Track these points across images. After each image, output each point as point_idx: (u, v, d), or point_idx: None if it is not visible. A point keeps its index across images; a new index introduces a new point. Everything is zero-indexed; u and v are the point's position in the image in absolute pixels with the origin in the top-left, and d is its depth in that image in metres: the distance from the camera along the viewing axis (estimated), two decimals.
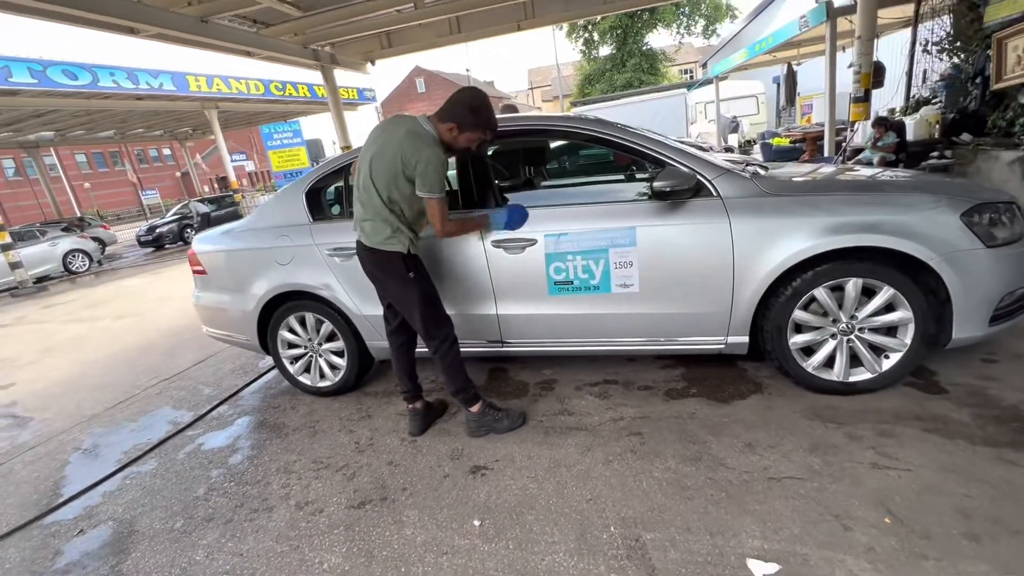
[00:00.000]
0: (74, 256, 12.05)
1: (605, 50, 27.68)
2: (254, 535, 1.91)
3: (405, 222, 2.10)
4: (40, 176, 17.16)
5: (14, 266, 9.80)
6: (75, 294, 9.01)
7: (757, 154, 12.33)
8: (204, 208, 15.24)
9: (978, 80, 6.13)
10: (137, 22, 5.73)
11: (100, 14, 5.39)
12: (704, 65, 21.09)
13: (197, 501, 2.19)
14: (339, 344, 2.84)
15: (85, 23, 5.72)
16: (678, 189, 2.07)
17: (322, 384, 2.96)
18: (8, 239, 9.83)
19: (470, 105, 2.02)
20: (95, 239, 13.82)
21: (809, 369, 2.21)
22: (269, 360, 3.10)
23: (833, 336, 2.16)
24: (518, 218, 2.32)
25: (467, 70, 37.32)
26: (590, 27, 26.63)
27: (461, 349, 2.30)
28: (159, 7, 5.74)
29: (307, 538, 1.85)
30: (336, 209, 2.97)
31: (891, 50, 9.73)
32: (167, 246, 14.96)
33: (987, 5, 5.89)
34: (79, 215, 17.55)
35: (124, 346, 4.85)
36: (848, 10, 7.78)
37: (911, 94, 8.19)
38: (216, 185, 33.61)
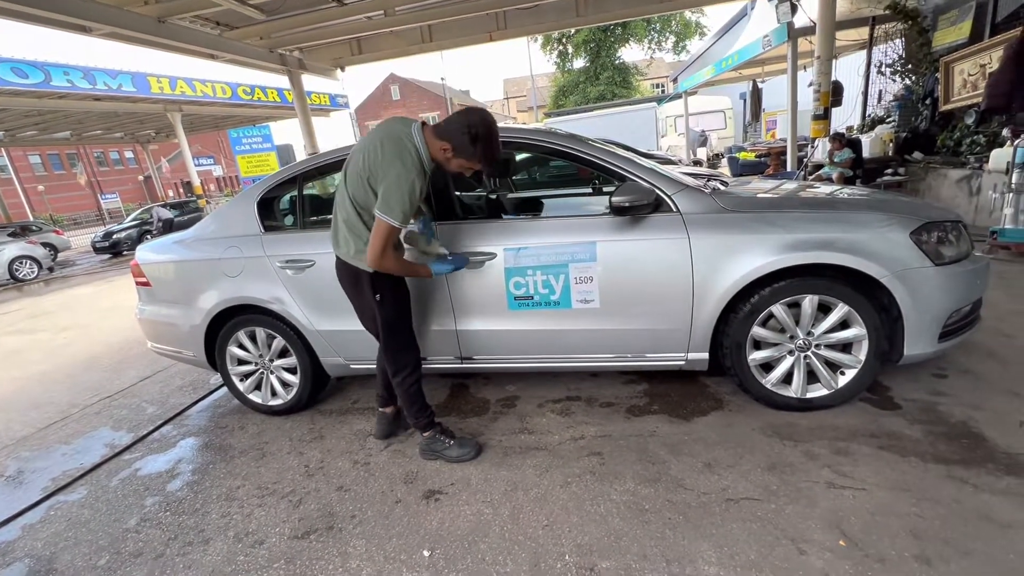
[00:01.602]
0: (21, 263, 11.41)
1: (579, 63, 28.13)
2: (185, 571, 1.77)
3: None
4: None
5: None
6: (20, 303, 8.50)
7: (725, 167, 12.65)
8: (167, 214, 14.64)
9: (928, 101, 6.42)
10: (89, 20, 5.49)
11: (49, 11, 5.15)
12: (674, 80, 21.65)
13: (127, 534, 2.02)
14: (291, 360, 2.71)
15: (33, 20, 5.44)
16: (637, 204, 2.04)
17: (273, 402, 2.81)
18: None
19: (471, 133, 1.78)
20: (46, 245, 13.14)
21: (768, 385, 2.20)
22: (219, 376, 2.94)
23: (791, 352, 2.17)
24: (456, 267, 2.15)
25: (442, 79, 37.12)
26: (564, 40, 27.04)
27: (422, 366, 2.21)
28: (113, 5, 5.51)
29: (243, 573, 1.72)
30: (289, 219, 2.85)
31: (849, 71, 10.15)
32: (124, 253, 14.33)
33: (935, 31, 6.19)
34: (26, 221, 16.56)
35: (66, 360, 4.55)
36: (808, 31, 8.07)
37: (867, 113, 8.54)
38: (181, 190, 32.52)
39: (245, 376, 2.83)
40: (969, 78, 5.56)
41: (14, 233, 12.43)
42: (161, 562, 1.83)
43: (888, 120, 7.70)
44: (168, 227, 13.84)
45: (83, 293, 8.60)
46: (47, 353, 4.92)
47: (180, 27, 6.36)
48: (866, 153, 6.94)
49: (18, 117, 12.16)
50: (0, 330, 6.44)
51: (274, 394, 2.81)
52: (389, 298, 2.03)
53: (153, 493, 2.29)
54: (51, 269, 12.37)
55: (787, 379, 2.20)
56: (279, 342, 2.69)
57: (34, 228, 15.09)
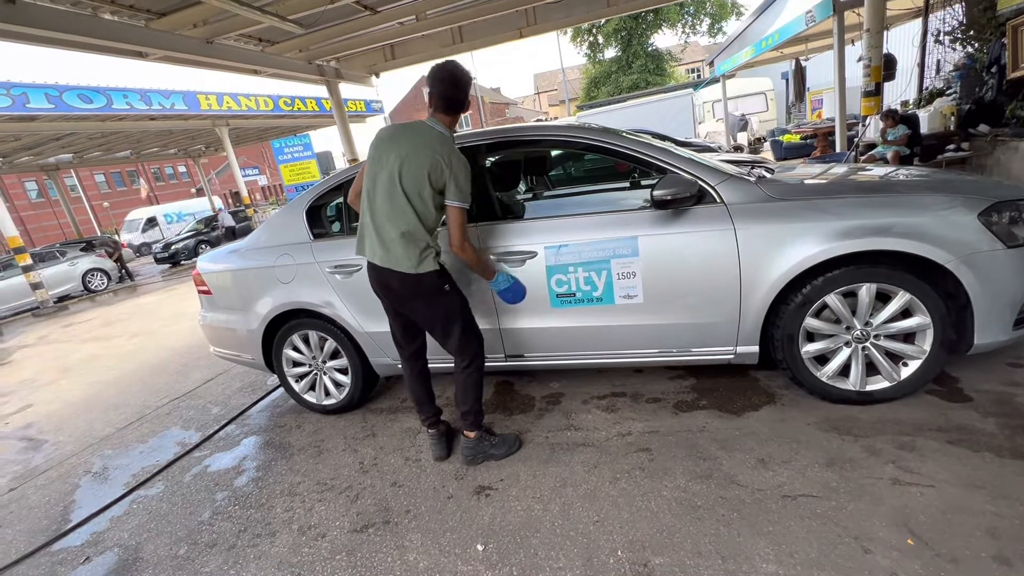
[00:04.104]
0: (93, 275, 12.31)
1: (610, 53, 27.63)
2: (256, 562, 1.89)
3: (432, 235, 2.02)
4: (60, 197, 17.60)
5: (35, 286, 10.05)
6: (94, 312, 9.19)
7: (767, 151, 12.16)
8: (231, 220, 15.36)
9: (994, 69, 5.96)
10: (145, 46, 5.84)
11: (110, 40, 5.50)
12: (711, 64, 20.92)
13: (201, 526, 2.17)
14: (343, 361, 2.82)
15: (96, 49, 5.85)
16: (679, 197, 2.01)
17: (327, 402, 2.94)
18: (29, 260, 10.08)
19: (452, 85, 1.99)
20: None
21: (823, 378, 2.12)
22: (276, 378, 3.11)
23: (847, 344, 2.08)
24: (511, 295, 2.29)
25: (473, 78, 37.31)
26: (594, 30, 26.61)
27: None
28: (165, 31, 5.84)
29: (308, 564, 1.82)
30: (336, 226, 2.96)
31: (902, 41, 9.53)
32: (182, 262, 15.22)
33: None
34: (113, 236, 17.59)
35: (137, 365, 4.90)
36: (856, 3, 7.63)
37: (924, 86, 8.00)
38: (230, 200, 34.22)
39: (300, 377, 2.97)
40: None
41: (86, 247, 13.33)
42: (234, 552, 1.96)
43: (948, 92, 7.18)
44: (231, 234, 14.57)
45: (148, 302, 9.21)
46: (120, 358, 5.31)
47: (226, 46, 6.68)
48: (924, 128, 6.51)
49: (84, 140, 13.08)
50: (79, 337, 7.00)
51: (327, 394, 2.94)
52: (454, 287, 2.12)
53: (222, 488, 2.45)
54: (119, 279, 13.28)
55: (844, 371, 2.11)
56: (331, 344, 2.80)
57: (112, 242, 15.91)
